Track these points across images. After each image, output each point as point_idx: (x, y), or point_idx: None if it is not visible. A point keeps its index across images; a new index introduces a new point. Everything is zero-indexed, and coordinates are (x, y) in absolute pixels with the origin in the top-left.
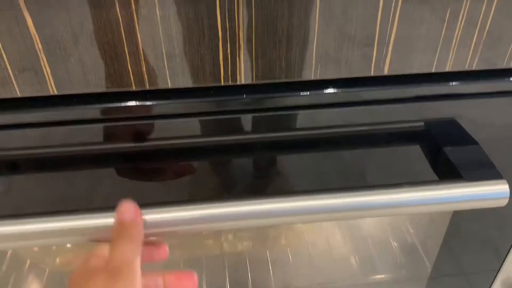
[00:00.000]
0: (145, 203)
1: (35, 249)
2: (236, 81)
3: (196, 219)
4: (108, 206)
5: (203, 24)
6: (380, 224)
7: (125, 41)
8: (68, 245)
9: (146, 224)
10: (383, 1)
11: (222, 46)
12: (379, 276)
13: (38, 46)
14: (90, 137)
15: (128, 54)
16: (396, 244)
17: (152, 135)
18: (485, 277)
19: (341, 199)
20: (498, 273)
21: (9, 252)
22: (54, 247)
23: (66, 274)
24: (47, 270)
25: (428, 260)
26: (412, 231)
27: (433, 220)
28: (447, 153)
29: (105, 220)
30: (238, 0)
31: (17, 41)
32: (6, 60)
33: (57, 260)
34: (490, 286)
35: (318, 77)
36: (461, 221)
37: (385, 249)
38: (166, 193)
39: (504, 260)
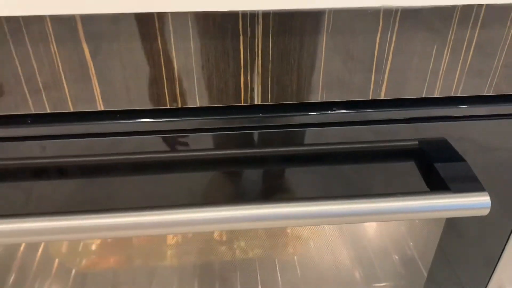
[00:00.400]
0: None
1: (63, 249)
2: (253, 102)
3: (209, 220)
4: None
5: (229, 56)
6: (380, 236)
7: (164, 68)
8: (93, 247)
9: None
10: (380, 38)
11: (243, 73)
12: (378, 284)
13: (92, 71)
14: (131, 147)
15: (166, 78)
16: (395, 255)
17: (181, 147)
18: (478, 284)
19: (342, 205)
20: (490, 281)
21: (40, 251)
22: (80, 249)
23: (91, 274)
24: (74, 270)
25: (425, 269)
26: (411, 243)
27: (429, 232)
28: (437, 169)
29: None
30: (258, 36)
31: (75, 67)
32: (64, 81)
33: (83, 261)
34: None
35: (324, 100)
36: (452, 232)
37: (384, 259)
38: (186, 196)
39: (494, 268)
